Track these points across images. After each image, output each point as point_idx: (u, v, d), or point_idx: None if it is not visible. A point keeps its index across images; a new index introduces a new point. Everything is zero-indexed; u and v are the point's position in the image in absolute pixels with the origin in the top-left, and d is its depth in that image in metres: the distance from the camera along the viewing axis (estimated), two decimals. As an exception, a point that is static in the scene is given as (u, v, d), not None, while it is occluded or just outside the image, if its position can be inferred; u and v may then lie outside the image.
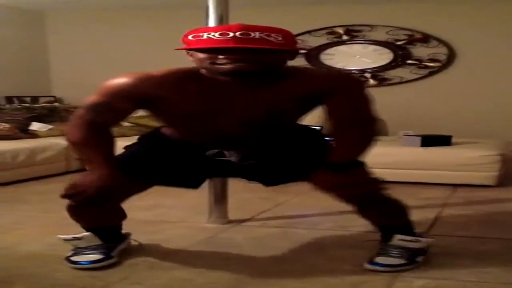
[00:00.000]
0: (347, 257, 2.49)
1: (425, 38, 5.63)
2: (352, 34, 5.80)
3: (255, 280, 2.23)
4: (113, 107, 2.22)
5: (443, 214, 3.39)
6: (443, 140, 4.65)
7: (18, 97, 6.09)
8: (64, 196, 2.31)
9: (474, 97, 5.57)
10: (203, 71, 2.16)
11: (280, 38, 2.05)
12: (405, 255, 2.35)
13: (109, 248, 2.46)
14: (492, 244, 2.75)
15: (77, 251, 2.44)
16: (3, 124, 5.11)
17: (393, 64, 5.73)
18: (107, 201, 2.38)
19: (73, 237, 2.48)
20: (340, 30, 5.82)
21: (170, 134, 2.41)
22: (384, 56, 5.76)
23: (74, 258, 2.40)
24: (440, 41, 5.61)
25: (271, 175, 2.44)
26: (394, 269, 2.29)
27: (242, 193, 3.59)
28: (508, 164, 4.55)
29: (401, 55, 5.70)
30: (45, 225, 3.08)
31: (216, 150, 2.34)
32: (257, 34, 2.02)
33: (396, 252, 2.36)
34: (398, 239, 2.40)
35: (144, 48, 6.10)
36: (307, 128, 2.51)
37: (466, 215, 3.38)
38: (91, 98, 2.25)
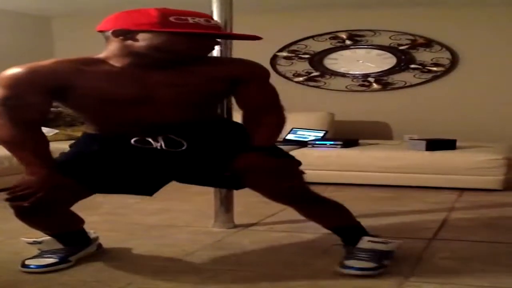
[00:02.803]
0: (355, 261, 2.49)
1: (428, 43, 5.64)
2: (355, 39, 5.80)
3: (264, 284, 2.23)
4: (24, 99, 2.11)
5: (450, 218, 3.38)
6: (448, 144, 4.64)
7: (23, 103, 6.10)
8: (10, 199, 2.20)
9: (477, 101, 5.57)
10: (124, 55, 2.12)
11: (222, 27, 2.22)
12: (374, 258, 2.32)
13: (69, 252, 2.45)
14: (501, 248, 2.74)
15: (39, 254, 2.45)
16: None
17: (396, 68, 5.73)
18: (55, 206, 2.26)
19: (34, 240, 2.48)
20: (343, 35, 5.82)
21: (96, 132, 2.30)
22: (387, 61, 5.76)
23: (27, 262, 2.40)
24: (443, 45, 5.61)
25: (212, 173, 2.36)
26: (365, 273, 2.26)
27: (248, 197, 3.57)
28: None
29: (404, 59, 5.71)
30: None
31: (140, 138, 2.23)
32: (217, 22, 2.16)
33: (365, 255, 2.33)
34: (367, 241, 2.37)
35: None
36: (233, 122, 2.48)
37: (473, 219, 3.37)
38: None
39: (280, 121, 2.38)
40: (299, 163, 2.40)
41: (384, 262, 2.34)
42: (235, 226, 3.14)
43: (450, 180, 4.37)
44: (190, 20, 2.06)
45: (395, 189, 4.34)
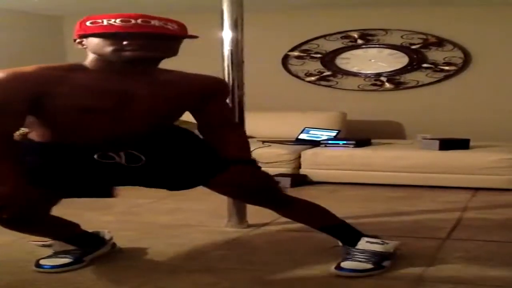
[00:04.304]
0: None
1: (440, 42, 5.61)
2: (367, 38, 5.78)
3: (277, 284, 2.23)
4: (6, 107, 2.03)
5: (463, 218, 3.37)
6: (461, 144, 4.62)
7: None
8: None
9: (490, 100, 5.54)
10: (96, 60, 2.11)
11: (176, 27, 2.12)
12: (372, 259, 2.31)
13: (83, 253, 2.46)
14: (515, 248, 2.73)
15: (53, 254, 2.46)
16: (23, 128, 5.12)
17: (408, 68, 5.71)
18: (35, 216, 2.24)
19: (43, 244, 2.48)
20: (355, 34, 5.80)
21: (44, 140, 2.22)
22: (399, 60, 5.74)
23: (42, 262, 2.42)
24: (455, 44, 5.58)
25: (168, 178, 2.35)
26: (360, 274, 2.26)
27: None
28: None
29: (416, 59, 5.68)
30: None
31: (101, 152, 2.21)
32: (156, 22, 2.07)
33: (362, 257, 2.32)
34: (366, 242, 2.37)
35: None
36: (186, 130, 2.46)
37: (487, 219, 3.35)
38: None
39: (245, 135, 2.48)
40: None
41: (383, 264, 2.33)
42: (249, 226, 3.13)
43: (464, 179, 4.34)
44: (105, 22, 2.04)
45: (408, 189, 4.32)
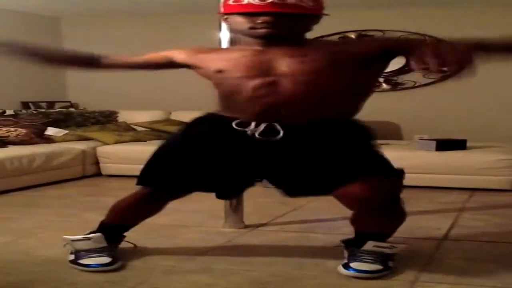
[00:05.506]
0: (367, 262, 2.48)
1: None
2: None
3: (274, 284, 2.23)
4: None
5: (460, 219, 3.38)
6: (458, 144, 4.63)
7: (34, 103, 6.14)
8: None
9: (488, 101, 5.55)
10: (239, 36, 2.28)
11: (311, 4, 2.20)
12: (379, 260, 2.30)
13: (112, 251, 2.47)
14: (512, 248, 2.74)
15: (81, 254, 2.43)
16: (20, 129, 5.14)
17: (406, 68, 5.71)
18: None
19: (84, 237, 2.47)
20: (352, 35, 5.81)
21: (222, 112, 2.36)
22: (396, 61, 5.64)
23: (84, 261, 2.40)
24: (453, 45, 5.59)
25: (295, 176, 2.29)
26: (370, 276, 2.25)
27: (258, 198, 3.59)
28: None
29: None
30: (64, 230, 3.09)
31: (242, 120, 2.25)
32: (292, 0, 2.15)
33: (370, 258, 2.30)
34: (374, 245, 2.32)
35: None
36: (357, 125, 2.46)
37: (484, 219, 3.36)
38: None
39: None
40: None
41: (389, 264, 2.32)
42: (246, 227, 3.14)
43: (461, 180, 4.36)
44: (245, 0, 2.15)
45: (405, 190, 4.31)
